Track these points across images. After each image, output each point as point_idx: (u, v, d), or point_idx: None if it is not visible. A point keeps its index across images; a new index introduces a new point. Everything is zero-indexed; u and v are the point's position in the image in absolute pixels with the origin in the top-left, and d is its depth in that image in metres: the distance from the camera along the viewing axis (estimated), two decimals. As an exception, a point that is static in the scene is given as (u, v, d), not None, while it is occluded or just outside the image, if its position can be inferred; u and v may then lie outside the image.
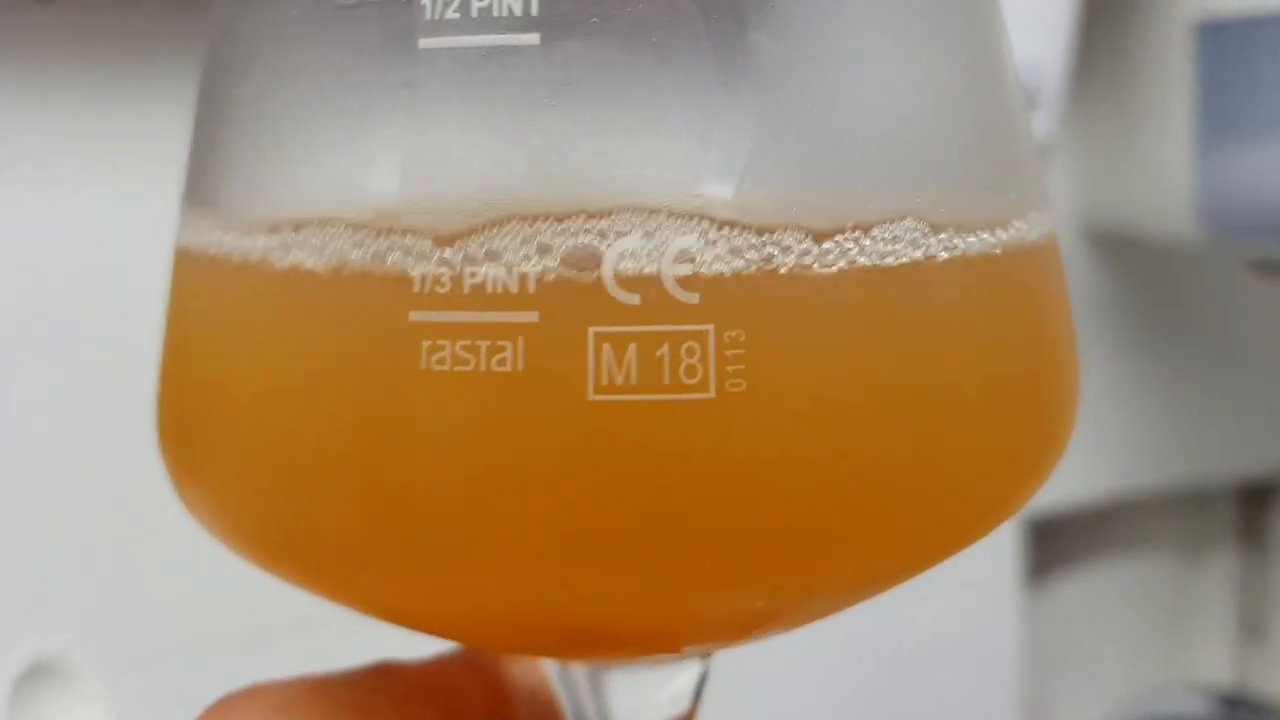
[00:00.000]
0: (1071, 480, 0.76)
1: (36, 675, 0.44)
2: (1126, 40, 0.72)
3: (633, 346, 0.18)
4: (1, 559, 0.49)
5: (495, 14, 0.18)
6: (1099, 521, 0.82)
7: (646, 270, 0.18)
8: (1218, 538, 0.91)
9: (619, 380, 0.18)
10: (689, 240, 0.18)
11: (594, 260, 0.18)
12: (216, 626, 0.52)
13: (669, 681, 0.23)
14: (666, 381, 0.18)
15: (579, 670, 0.22)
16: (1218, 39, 0.68)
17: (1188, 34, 0.68)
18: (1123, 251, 0.77)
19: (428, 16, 0.19)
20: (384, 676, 0.24)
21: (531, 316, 0.18)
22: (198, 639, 0.52)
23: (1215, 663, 0.90)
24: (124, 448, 0.49)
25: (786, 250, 0.18)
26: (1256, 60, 0.66)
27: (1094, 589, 0.85)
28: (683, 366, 0.18)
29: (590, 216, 0.18)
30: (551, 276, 0.18)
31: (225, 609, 0.50)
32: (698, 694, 0.23)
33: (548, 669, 0.23)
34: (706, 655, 0.23)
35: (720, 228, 0.18)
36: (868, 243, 0.19)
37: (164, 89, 0.49)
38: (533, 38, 0.18)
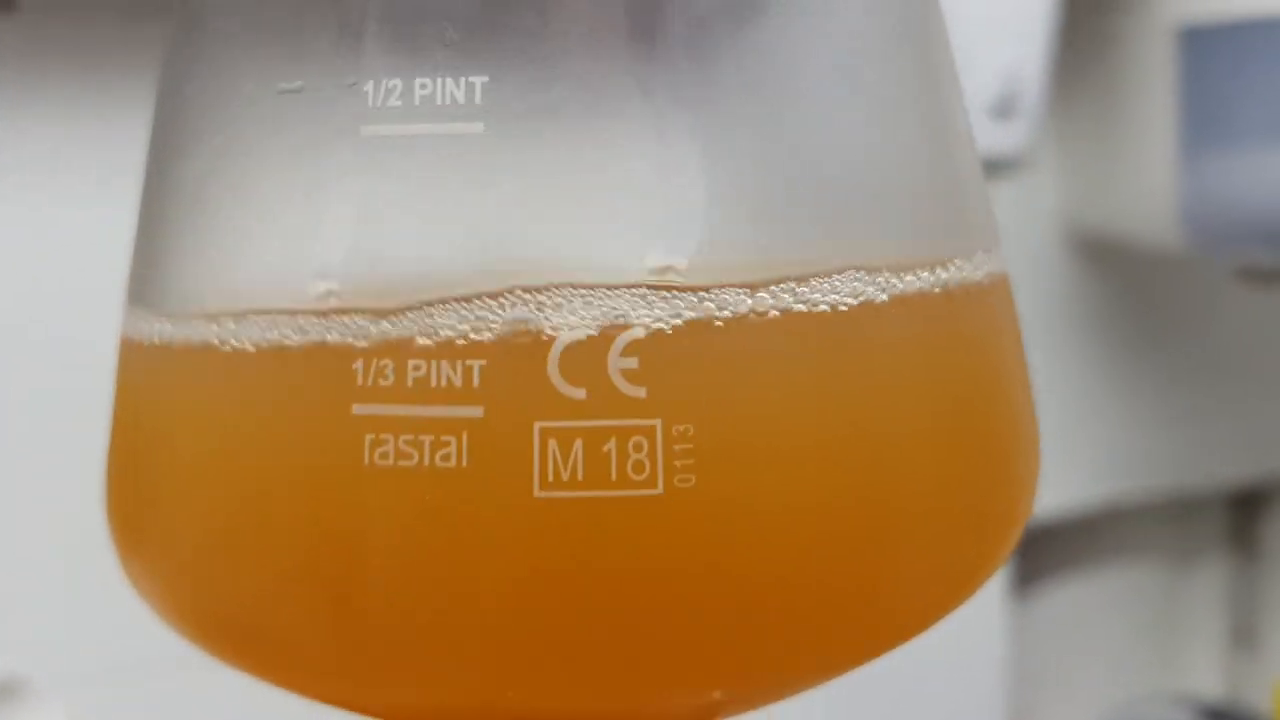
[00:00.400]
0: (1060, 488, 0.76)
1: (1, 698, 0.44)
2: (1109, 47, 0.72)
3: (579, 442, 0.18)
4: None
5: (439, 102, 0.18)
6: (1087, 530, 0.82)
7: (593, 361, 0.18)
8: (1207, 545, 0.90)
9: (565, 476, 0.18)
10: (626, 309, 0.18)
11: (533, 333, 0.18)
12: (178, 646, 0.52)
13: None
14: (614, 478, 0.18)
15: None
16: (1200, 45, 0.68)
17: (1170, 40, 0.68)
18: (1109, 259, 0.77)
19: (370, 104, 0.18)
20: None
21: (476, 411, 0.18)
22: (159, 658, 0.52)
23: (1205, 671, 0.90)
24: (86, 468, 0.49)
25: (723, 305, 0.18)
26: (1239, 66, 0.67)
27: (1083, 597, 0.85)
28: (630, 462, 0.18)
29: (526, 290, 0.18)
30: (494, 356, 0.18)
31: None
32: None
33: None
34: None
35: (658, 291, 0.18)
36: (804, 290, 0.19)
37: (129, 98, 0.49)
38: (476, 127, 0.18)
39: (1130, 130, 0.72)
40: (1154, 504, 0.84)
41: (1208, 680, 0.89)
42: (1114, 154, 0.73)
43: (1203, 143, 0.68)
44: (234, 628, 0.20)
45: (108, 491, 0.22)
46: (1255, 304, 0.83)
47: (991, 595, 0.73)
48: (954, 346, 0.20)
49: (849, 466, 0.19)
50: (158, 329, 0.20)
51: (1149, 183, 0.70)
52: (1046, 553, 0.82)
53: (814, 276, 0.19)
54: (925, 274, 0.20)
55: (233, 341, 0.19)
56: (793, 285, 0.19)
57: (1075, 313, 0.77)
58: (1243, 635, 0.91)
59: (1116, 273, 0.78)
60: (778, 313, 0.18)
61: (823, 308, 0.19)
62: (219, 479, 0.19)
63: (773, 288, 0.18)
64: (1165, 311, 0.82)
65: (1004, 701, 0.75)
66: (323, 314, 0.19)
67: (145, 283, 0.21)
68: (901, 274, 0.19)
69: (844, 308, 0.19)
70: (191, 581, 0.20)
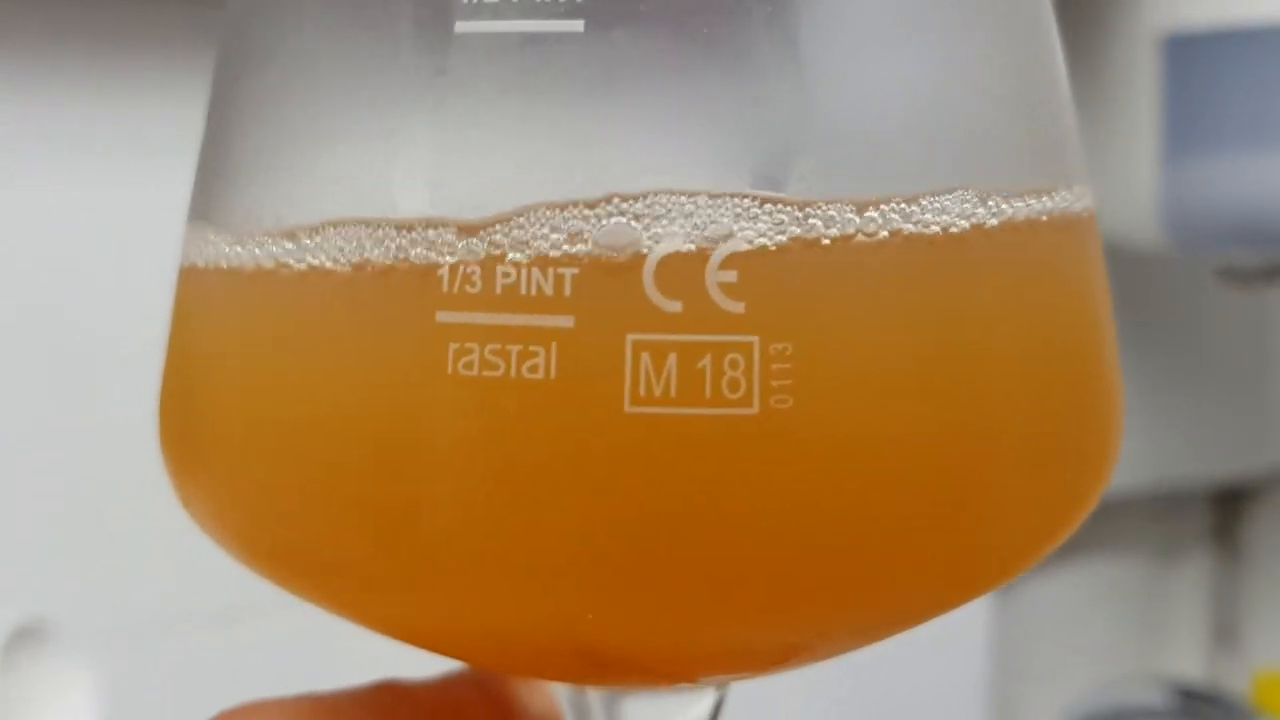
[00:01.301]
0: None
1: (22, 641, 0.44)
2: (1095, 54, 0.73)
3: (673, 356, 0.17)
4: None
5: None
6: (1071, 523, 0.82)
7: (690, 273, 0.17)
8: (1190, 541, 0.91)
9: (657, 392, 0.17)
10: (728, 221, 0.17)
11: (629, 244, 0.17)
12: (204, 598, 0.52)
13: (685, 709, 0.22)
14: (708, 395, 0.17)
15: (595, 696, 0.21)
16: (1183, 53, 0.69)
17: (1154, 48, 0.70)
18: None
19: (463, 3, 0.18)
20: (388, 696, 0.23)
21: (566, 321, 0.17)
22: (186, 609, 0.51)
23: (1186, 666, 0.90)
24: (117, 420, 0.49)
25: (829, 221, 0.17)
26: (1221, 73, 0.68)
27: (1065, 591, 0.85)
28: (725, 379, 0.17)
29: (624, 199, 0.17)
30: (587, 266, 0.17)
31: (214, 580, 0.49)
32: None
33: (560, 693, 0.22)
34: (724, 685, 0.22)
35: (762, 204, 0.17)
36: (914, 210, 0.18)
37: (173, 82, 0.49)
38: (576, 24, 0.17)
39: (1115, 134, 0.73)
40: (1138, 500, 0.84)
41: (1188, 674, 0.89)
42: (1099, 156, 0.74)
43: (1184, 147, 0.69)
44: (306, 550, 0.19)
45: (163, 420, 0.21)
46: (1236, 303, 0.84)
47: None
48: (1058, 277, 0.20)
49: (952, 395, 0.18)
50: (225, 248, 0.19)
51: (1133, 184, 0.71)
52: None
53: (924, 196, 0.18)
54: (1033, 201, 0.19)
55: (309, 258, 0.18)
56: (902, 205, 0.18)
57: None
58: (1224, 630, 0.92)
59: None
60: (886, 233, 0.18)
61: (933, 229, 0.18)
62: (291, 397, 0.18)
63: (881, 207, 0.18)
64: (1149, 310, 0.82)
65: (987, 692, 0.75)
66: (409, 226, 0.18)
67: (212, 199, 0.20)
68: (1011, 199, 0.19)
69: (955, 230, 0.18)
70: (259, 501, 0.19)
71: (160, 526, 0.43)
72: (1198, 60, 0.69)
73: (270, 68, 0.19)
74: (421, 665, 0.22)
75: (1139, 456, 0.82)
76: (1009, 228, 0.18)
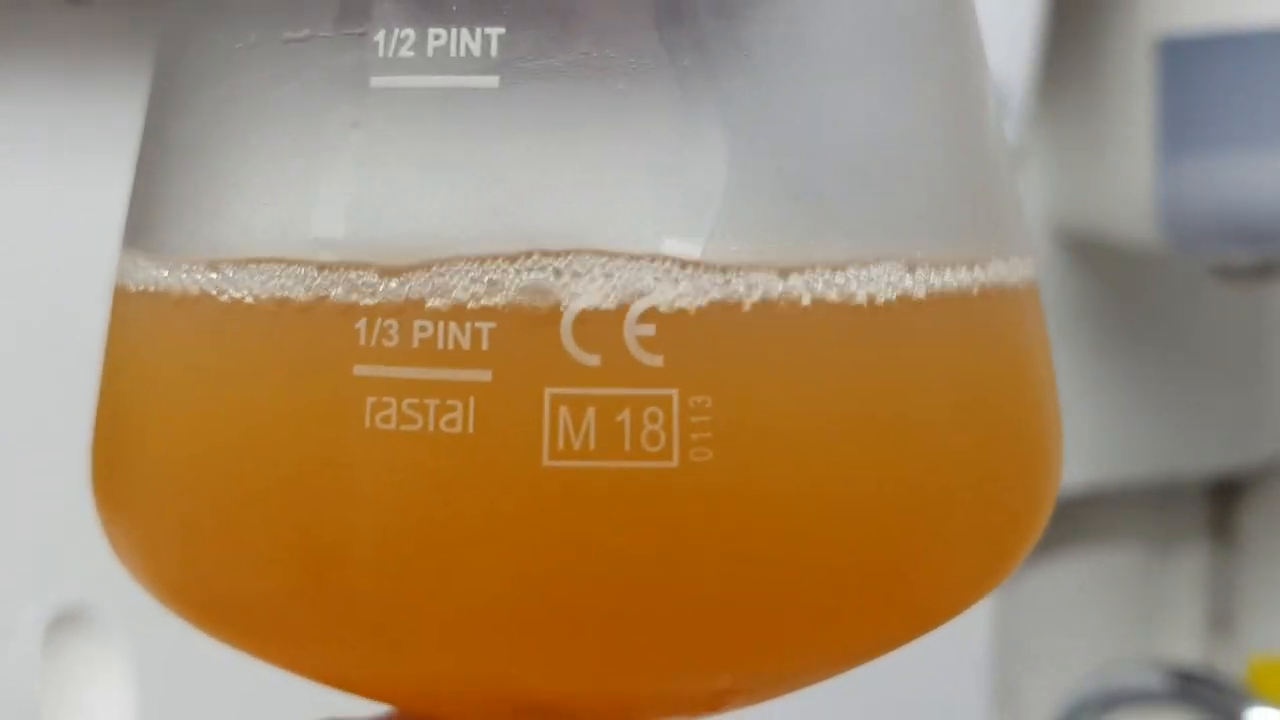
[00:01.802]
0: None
1: (61, 626, 0.44)
2: (1093, 56, 0.74)
3: (591, 410, 0.17)
4: (28, 509, 0.48)
5: (452, 54, 0.17)
6: (1069, 514, 0.82)
7: (608, 327, 0.17)
8: (1187, 532, 0.91)
9: (576, 445, 0.17)
10: (649, 282, 0.17)
11: (548, 298, 0.17)
12: None
13: None
14: (627, 448, 0.17)
15: None
16: (1178, 56, 0.70)
17: (1150, 51, 0.71)
18: (1092, 256, 0.78)
19: (380, 54, 0.18)
20: None
21: (484, 375, 0.17)
22: None
23: (1183, 653, 0.90)
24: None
25: (752, 288, 0.17)
26: (1215, 76, 0.69)
27: (1063, 581, 0.85)
28: (645, 433, 0.17)
29: (545, 255, 0.17)
30: (505, 319, 0.17)
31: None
32: None
33: None
34: None
35: (684, 267, 0.17)
36: (839, 278, 0.18)
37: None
38: (491, 81, 0.17)
39: (1112, 134, 0.74)
40: (1135, 491, 0.84)
41: (1186, 660, 0.89)
42: (1097, 156, 0.75)
43: (1180, 148, 0.70)
44: (219, 597, 0.19)
45: (93, 450, 0.21)
46: (1234, 300, 0.84)
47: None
48: (988, 348, 0.19)
49: (872, 456, 0.18)
50: (152, 275, 0.19)
51: (1130, 184, 0.72)
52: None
53: (850, 265, 0.18)
54: (964, 272, 0.19)
55: (231, 290, 0.18)
56: (827, 272, 0.18)
57: (1060, 307, 0.78)
58: (1220, 619, 0.92)
59: (1100, 269, 0.79)
60: (809, 300, 0.18)
61: (859, 299, 0.18)
62: (208, 437, 0.18)
63: (806, 273, 0.18)
64: (1146, 306, 0.83)
65: (986, 680, 0.75)
66: (328, 267, 0.18)
67: (142, 227, 0.20)
68: (940, 270, 0.19)
69: (881, 300, 0.18)
70: (174, 546, 0.19)
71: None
72: (1193, 63, 0.69)
73: (198, 107, 0.19)
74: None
75: (1137, 450, 0.82)
76: (937, 299, 0.18)
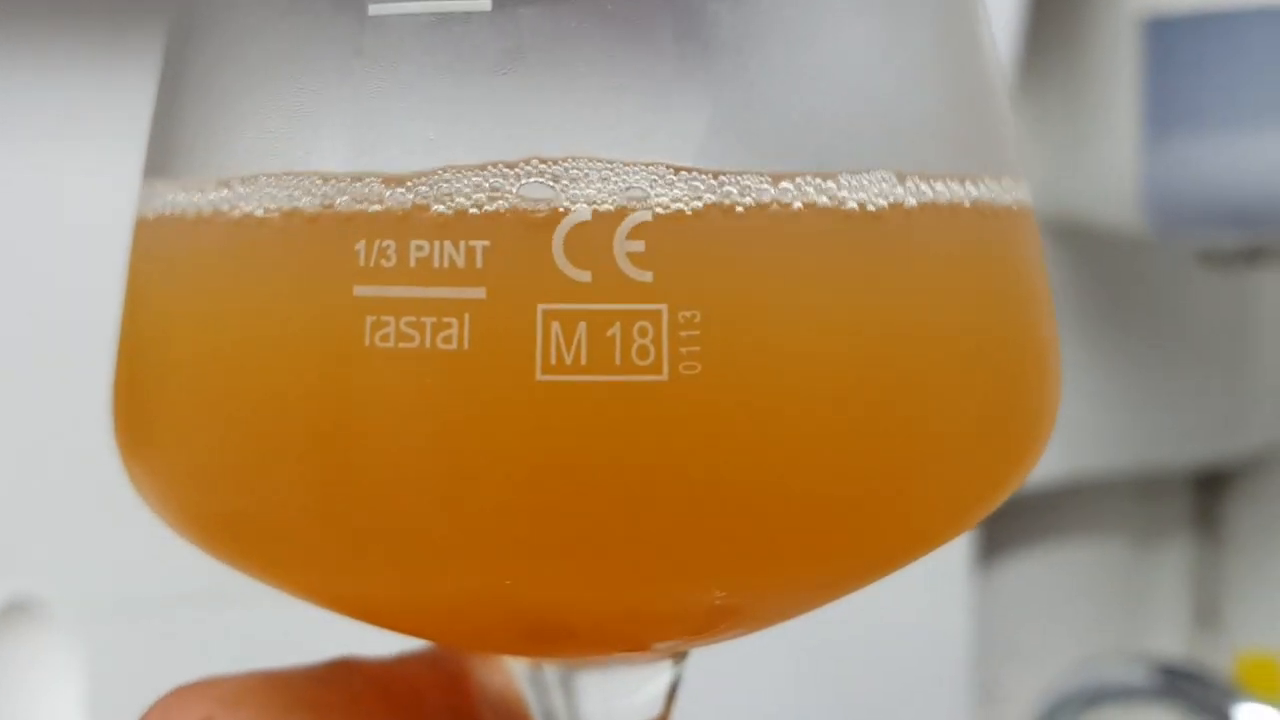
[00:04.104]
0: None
1: (11, 617, 0.44)
2: (1077, 37, 0.74)
3: (582, 325, 0.17)
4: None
5: None
6: (1052, 504, 0.82)
7: (599, 244, 0.17)
8: (1172, 524, 0.91)
9: (568, 360, 0.17)
10: (644, 187, 0.18)
11: (547, 202, 0.17)
12: (195, 576, 0.52)
13: (642, 685, 0.22)
14: (617, 363, 0.17)
15: (551, 672, 0.22)
16: (1164, 35, 0.69)
17: (1135, 31, 0.70)
18: (1076, 242, 0.78)
19: None
20: (342, 672, 0.24)
21: (478, 292, 0.18)
22: (176, 587, 0.52)
23: (1168, 647, 0.90)
24: (109, 397, 0.50)
25: (745, 190, 0.18)
26: (1201, 56, 0.68)
27: (1047, 572, 0.85)
28: (635, 347, 0.17)
29: (544, 161, 0.18)
30: (505, 235, 0.17)
31: (205, 559, 0.50)
32: (670, 698, 0.22)
33: (517, 670, 0.22)
34: (679, 657, 0.22)
35: (677, 171, 0.18)
36: (830, 185, 0.18)
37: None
38: (483, 3, 0.18)
39: (1096, 117, 0.73)
40: (1120, 481, 0.84)
41: (1171, 655, 0.90)
42: (1081, 140, 0.75)
43: (1165, 130, 0.69)
44: (228, 517, 0.19)
45: (113, 386, 0.21)
46: (1221, 287, 0.84)
47: (956, 567, 0.73)
48: (980, 262, 0.20)
49: (862, 368, 0.18)
50: (168, 199, 0.20)
51: (1114, 168, 0.72)
52: (1011, 526, 0.82)
53: (842, 174, 0.18)
54: (955, 185, 0.19)
55: (241, 205, 0.19)
56: (818, 179, 0.18)
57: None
58: (1206, 612, 0.92)
59: (1084, 256, 0.79)
60: (800, 204, 0.18)
61: (850, 205, 0.18)
62: (221, 360, 0.19)
63: (798, 179, 0.18)
64: (1132, 293, 0.83)
65: (968, 672, 0.75)
66: (334, 179, 0.18)
67: (160, 156, 0.21)
68: (931, 181, 0.19)
69: (871, 208, 0.18)
70: (189, 473, 0.20)
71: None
72: (1179, 43, 0.69)
73: (210, 37, 0.20)
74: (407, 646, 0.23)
75: (1121, 439, 0.82)
76: (928, 209, 0.19)
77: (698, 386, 0.17)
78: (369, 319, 0.18)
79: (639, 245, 0.17)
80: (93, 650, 0.46)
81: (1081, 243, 0.78)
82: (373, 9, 0.18)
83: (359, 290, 0.18)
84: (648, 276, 0.17)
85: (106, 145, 0.50)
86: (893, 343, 0.18)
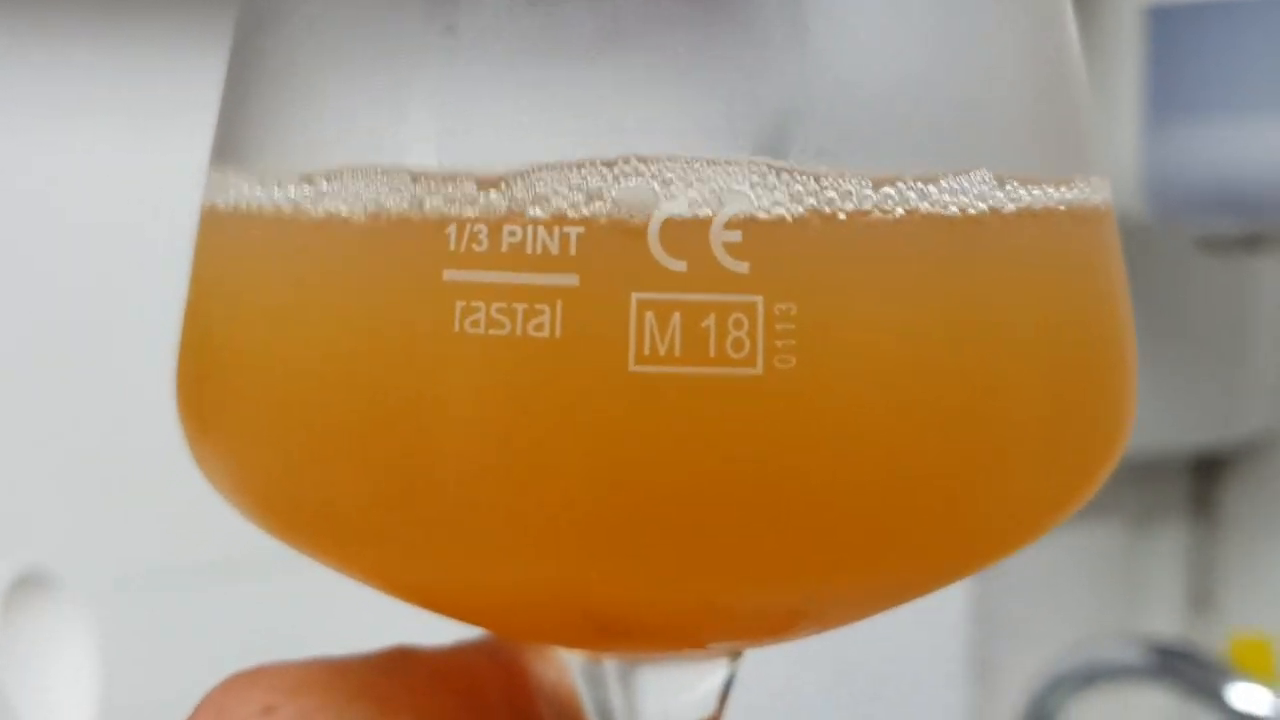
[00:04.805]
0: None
1: (22, 591, 0.44)
2: (1079, 24, 0.73)
3: (677, 316, 0.17)
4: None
5: None
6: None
7: (695, 234, 0.17)
8: (1168, 507, 0.91)
9: (661, 351, 0.17)
10: (740, 189, 0.17)
11: (646, 203, 0.17)
12: (204, 549, 0.52)
13: (698, 683, 0.21)
14: (712, 354, 0.17)
15: (609, 666, 0.21)
16: (1166, 23, 0.69)
17: (1137, 18, 0.70)
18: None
19: None
20: (401, 661, 0.23)
21: (571, 279, 0.17)
22: (186, 560, 0.51)
23: (1164, 629, 0.91)
24: (120, 371, 0.50)
25: (845, 195, 0.17)
26: (1203, 44, 0.68)
27: (1045, 556, 0.85)
28: (729, 339, 0.17)
29: (641, 160, 0.17)
30: (594, 225, 0.17)
31: (214, 532, 0.50)
32: (724, 697, 0.22)
33: (573, 663, 0.22)
34: (736, 656, 0.22)
35: (776, 173, 0.17)
36: (931, 190, 0.18)
37: (197, 42, 0.49)
38: None
39: (1098, 103, 0.73)
40: (1118, 466, 0.85)
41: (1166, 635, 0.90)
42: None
43: (1167, 117, 0.70)
44: (311, 507, 0.19)
45: (178, 371, 0.21)
46: (1219, 274, 0.85)
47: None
48: (1071, 266, 0.20)
49: (955, 371, 0.18)
50: (245, 191, 0.19)
51: (1115, 154, 0.72)
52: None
53: (942, 176, 0.18)
54: (1051, 189, 0.19)
55: (326, 203, 0.18)
56: (919, 184, 0.18)
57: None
58: (1201, 595, 0.92)
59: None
60: (902, 210, 0.18)
61: (951, 210, 0.18)
62: (300, 348, 0.19)
63: (898, 184, 0.18)
64: (1132, 280, 0.83)
65: (966, 655, 0.75)
66: (424, 177, 0.18)
67: (233, 144, 0.20)
68: (1029, 185, 0.19)
69: (972, 212, 0.18)
70: (266, 457, 0.19)
71: (162, 478, 0.44)
72: (1181, 30, 0.69)
73: (292, 16, 0.19)
74: (424, 622, 0.23)
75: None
76: (1025, 214, 0.19)
77: (792, 381, 0.17)
78: (459, 304, 0.17)
79: (736, 236, 0.17)
80: (103, 623, 0.46)
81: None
82: None
83: (449, 275, 0.17)
84: (744, 268, 0.17)
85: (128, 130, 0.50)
86: (987, 347, 0.18)
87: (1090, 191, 0.20)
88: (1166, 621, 0.91)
